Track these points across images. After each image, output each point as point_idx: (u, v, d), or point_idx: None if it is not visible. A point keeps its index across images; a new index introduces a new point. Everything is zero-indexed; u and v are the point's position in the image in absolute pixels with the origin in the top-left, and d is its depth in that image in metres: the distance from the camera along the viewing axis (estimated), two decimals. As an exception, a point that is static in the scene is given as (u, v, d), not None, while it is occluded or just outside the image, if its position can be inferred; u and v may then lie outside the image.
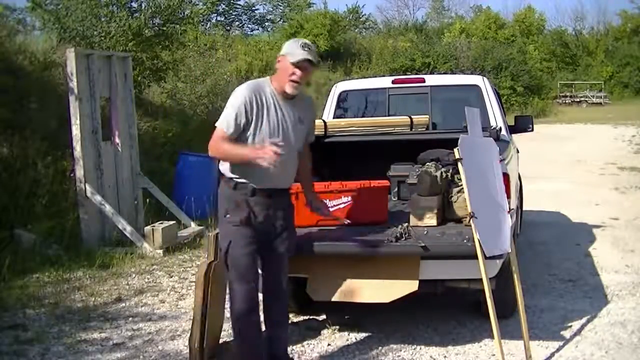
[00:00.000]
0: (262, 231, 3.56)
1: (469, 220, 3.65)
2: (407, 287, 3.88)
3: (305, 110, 3.66)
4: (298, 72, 3.44)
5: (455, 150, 3.75)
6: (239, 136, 3.47)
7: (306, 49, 3.44)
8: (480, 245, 3.58)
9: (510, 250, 3.81)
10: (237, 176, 3.54)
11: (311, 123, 3.79)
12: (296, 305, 4.76)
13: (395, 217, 4.41)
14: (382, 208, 4.37)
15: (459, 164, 3.75)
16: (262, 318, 3.76)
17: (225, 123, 3.44)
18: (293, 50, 3.45)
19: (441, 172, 4.16)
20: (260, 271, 3.70)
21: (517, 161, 5.96)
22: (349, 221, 4.09)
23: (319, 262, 3.82)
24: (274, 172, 3.39)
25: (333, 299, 3.95)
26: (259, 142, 3.43)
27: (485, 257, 3.60)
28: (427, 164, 4.36)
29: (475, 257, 3.60)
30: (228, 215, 3.55)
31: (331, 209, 4.18)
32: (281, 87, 3.50)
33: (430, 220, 4.16)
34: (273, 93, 3.52)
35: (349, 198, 4.26)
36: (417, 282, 3.87)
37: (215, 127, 3.51)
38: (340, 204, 4.25)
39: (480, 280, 3.63)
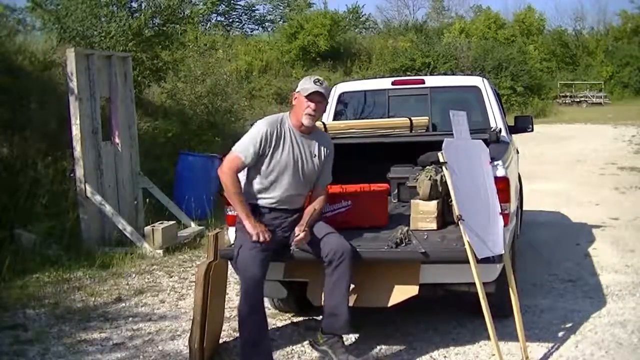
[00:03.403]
0: (274, 240, 3.82)
1: (457, 223, 3.66)
2: (407, 291, 3.89)
3: (321, 146, 3.98)
4: (312, 104, 3.79)
5: (440, 153, 3.75)
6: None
7: (317, 84, 3.82)
8: (471, 247, 3.59)
9: (503, 252, 3.81)
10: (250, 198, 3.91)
11: (327, 160, 4.02)
12: (296, 306, 4.77)
13: (395, 219, 4.41)
14: (382, 211, 4.37)
15: (444, 168, 3.75)
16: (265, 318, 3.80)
17: (244, 152, 3.80)
18: (306, 86, 3.83)
19: (441, 176, 4.16)
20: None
21: (517, 162, 5.96)
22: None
23: (319, 267, 3.82)
24: (282, 200, 3.87)
25: None
26: (271, 170, 3.83)
27: (478, 260, 3.60)
28: (427, 167, 4.36)
29: (476, 261, 3.60)
30: (243, 227, 3.85)
31: (331, 213, 4.19)
32: (298, 121, 3.86)
33: (430, 224, 4.17)
34: (291, 127, 3.88)
35: (349, 202, 4.27)
36: (418, 286, 3.88)
37: (230, 151, 3.85)
38: (340, 207, 4.25)
39: (482, 283, 3.63)
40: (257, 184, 3.89)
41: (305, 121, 3.82)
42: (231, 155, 3.83)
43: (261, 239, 3.72)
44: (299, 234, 3.76)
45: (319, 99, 3.81)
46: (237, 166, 3.81)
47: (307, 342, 4.28)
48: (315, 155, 3.93)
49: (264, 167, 3.84)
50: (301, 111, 3.82)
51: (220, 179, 3.86)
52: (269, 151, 3.81)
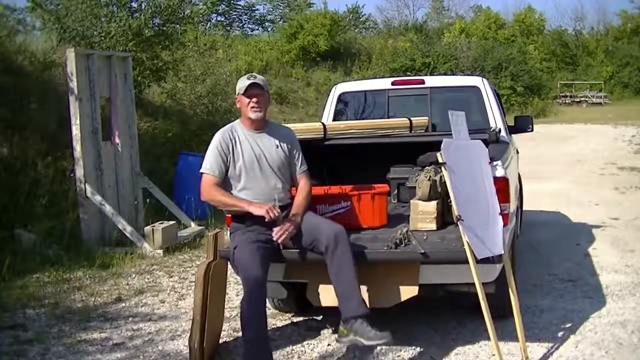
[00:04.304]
0: (268, 240, 3.81)
1: (457, 223, 3.66)
2: (407, 292, 3.89)
3: (281, 138, 4.06)
4: (253, 99, 3.92)
5: (438, 154, 3.75)
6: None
7: (251, 78, 3.95)
8: (470, 248, 3.59)
9: (502, 252, 3.81)
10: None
11: (292, 148, 4.09)
12: (296, 306, 4.77)
13: (394, 220, 4.41)
14: (381, 212, 4.37)
15: (443, 168, 3.75)
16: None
17: (209, 167, 3.94)
18: (240, 85, 3.96)
19: (440, 177, 4.16)
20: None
21: (516, 162, 5.96)
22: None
23: (318, 267, 3.82)
24: (261, 198, 3.91)
25: (333, 305, 3.94)
26: (237, 173, 3.94)
27: (477, 260, 3.60)
28: (427, 167, 4.36)
29: (475, 262, 3.60)
30: (236, 231, 3.95)
31: (331, 214, 4.19)
32: (247, 119, 3.99)
33: (430, 224, 4.17)
34: (243, 130, 4.02)
35: (348, 202, 4.27)
36: (417, 287, 3.88)
37: (202, 174, 3.95)
38: (340, 208, 4.25)
39: (481, 284, 3.64)
40: (235, 192, 3.96)
41: (252, 115, 3.94)
42: (203, 177, 3.97)
43: (272, 215, 3.76)
44: (279, 231, 3.76)
45: (257, 91, 3.92)
46: (212, 182, 3.93)
47: (307, 342, 4.29)
48: (277, 146, 4.02)
49: (232, 173, 3.95)
50: (246, 108, 3.94)
51: (208, 202, 4.04)
52: (229, 158, 3.94)
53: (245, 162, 3.94)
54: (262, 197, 3.92)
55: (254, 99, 3.91)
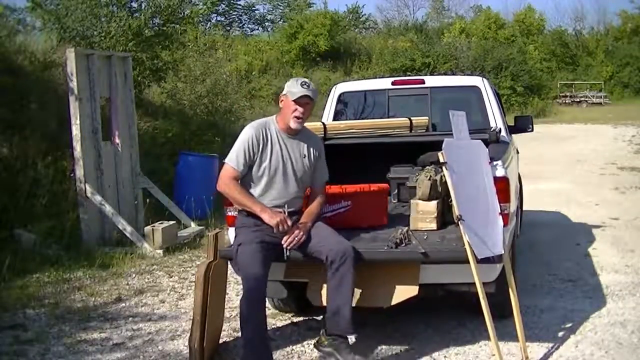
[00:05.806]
0: (273, 241, 3.80)
1: (457, 223, 3.66)
2: (407, 291, 3.89)
3: (311, 147, 3.99)
4: (299, 108, 3.81)
5: (440, 154, 3.75)
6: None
7: (305, 86, 3.83)
8: (471, 248, 3.59)
9: (502, 252, 3.81)
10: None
11: (318, 159, 4.03)
12: (296, 306, 4.77)
13: (395, 219, 4.41)
14: (382, 212, 4.37)
15: (444, 168, 3.75)
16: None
17: (235, 160, 3.84)
18: (293, 89, 3.83)
19: (441, 177, 4.16)
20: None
21: (517, 162, 5.96)
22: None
23: (319, 267, 3.82)
24: (275, 203, 3.86)
25: None
26: (259, 174, 3.86)
27: (478, 260, 3.60)
28: (427, 167, 4.36)
29: (475, 261, 3.60)
30: (242, 227, 3.91)
31: (331, 213, 4.19)
32: (285, 124, 3.88)
33: (430, 224, 4.17)
34: (277, 130, 3.91)
35: (349, 202, 4.26)
36: (418, 286, 3.88)
37: (224, 163, 3.89)
38: (340, 207, 4.25)
39: (482, 283, 3.63)
40: (251, 190, 3.91)
41: (293, 125, 3.85)
42: (225, 167, 3.89)
43: (282, 229, 3.73)
44: (289, 237, 3.75)
45: (306, 101, 3.83)
46: (233, 175, 3.86)
47: (307, 342, 4.28)
48: (304, 155, 3.95)
49: (254, 172, 3.88)
50: (289, 114, 3.84)
51: (223, 193, 3.94)
52: (257, 155, 3.84)
53: (270, 165, 3.86)
54: (277, 202, 3.89)
55: (301, 109, 3.81)
